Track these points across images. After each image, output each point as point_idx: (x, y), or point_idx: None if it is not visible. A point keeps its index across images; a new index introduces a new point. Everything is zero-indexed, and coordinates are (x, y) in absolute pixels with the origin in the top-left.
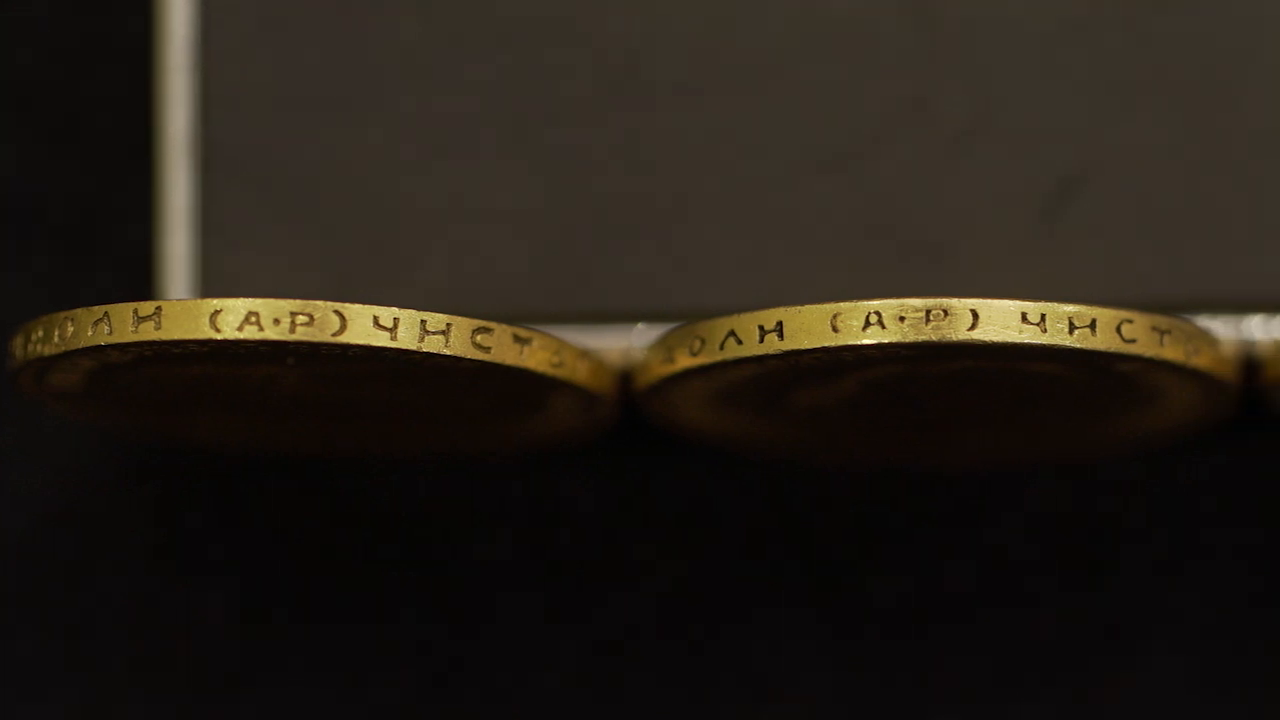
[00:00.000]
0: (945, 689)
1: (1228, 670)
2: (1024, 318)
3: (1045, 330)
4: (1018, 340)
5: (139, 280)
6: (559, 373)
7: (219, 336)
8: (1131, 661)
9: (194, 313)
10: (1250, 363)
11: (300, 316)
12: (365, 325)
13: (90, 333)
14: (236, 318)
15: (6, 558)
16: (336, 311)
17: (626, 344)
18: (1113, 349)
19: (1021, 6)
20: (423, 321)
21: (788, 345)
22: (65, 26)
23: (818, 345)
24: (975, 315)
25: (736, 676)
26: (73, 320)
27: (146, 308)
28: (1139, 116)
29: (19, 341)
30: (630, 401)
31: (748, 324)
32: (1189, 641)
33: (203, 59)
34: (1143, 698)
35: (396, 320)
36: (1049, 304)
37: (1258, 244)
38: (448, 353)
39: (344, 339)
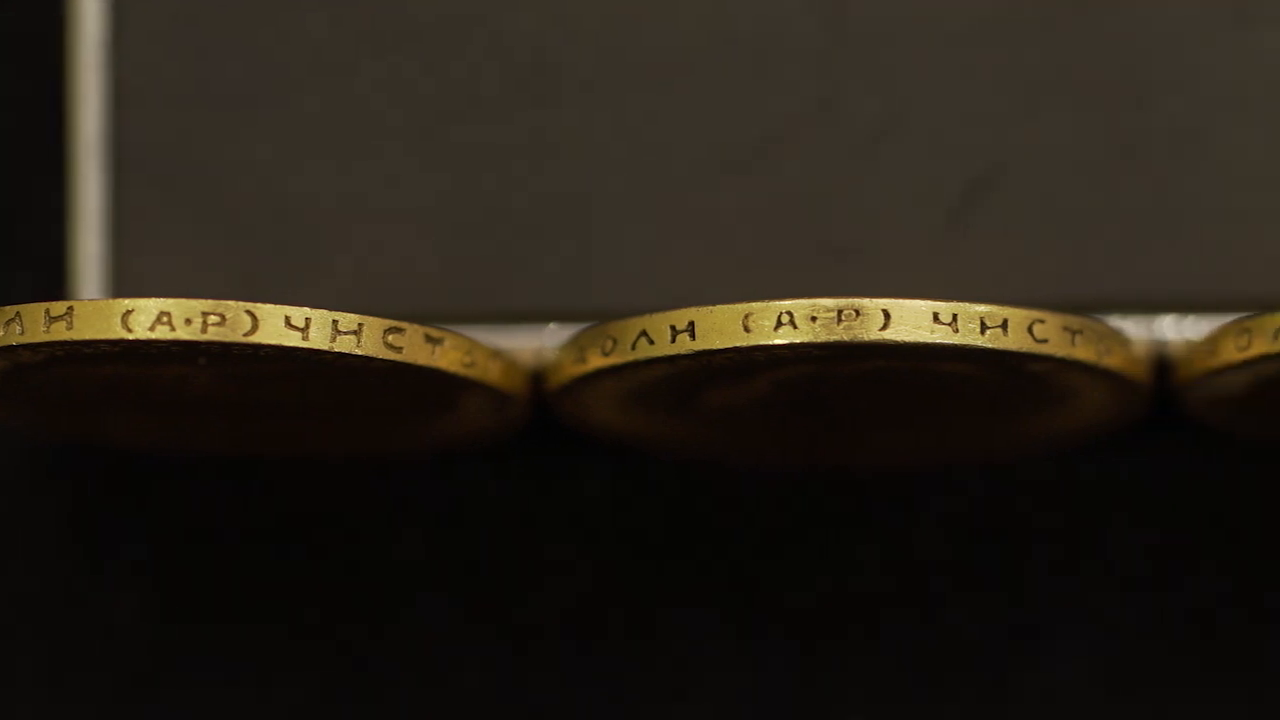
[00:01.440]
0: (856, 688)
1: (1137, 669)
2: (935, 318)
3: (957, 330)
4: (929, 340)
5: (51, 280)
6: (471, 373)
7: (131, 336)
8: (1042, 661)
9: (106, 313)
10: (1162, 363)
11: (212, 316)
12: (277, 325)
13: (2, 333)
14: (148, 318)
15: None
16: (248, 311)
17: (538, 344)
18: (1024, 349)
19: (931, 7)
20: (334, 321)
21: (699, 345)
22: None
23: (729, 345)
24: (887, 315)
25: (647, 677)
26: None
27: (58, 308)
28: (1049, 117)
29: None
30: (542, 401)
31: (659, 324)
32: (1099, 641)
33: (113, 59)
34: (1053, 697)
35: (308, 320)
36: (961, 304)
37: (1169, 244)
38: (359, 353)
39: (256, 339)
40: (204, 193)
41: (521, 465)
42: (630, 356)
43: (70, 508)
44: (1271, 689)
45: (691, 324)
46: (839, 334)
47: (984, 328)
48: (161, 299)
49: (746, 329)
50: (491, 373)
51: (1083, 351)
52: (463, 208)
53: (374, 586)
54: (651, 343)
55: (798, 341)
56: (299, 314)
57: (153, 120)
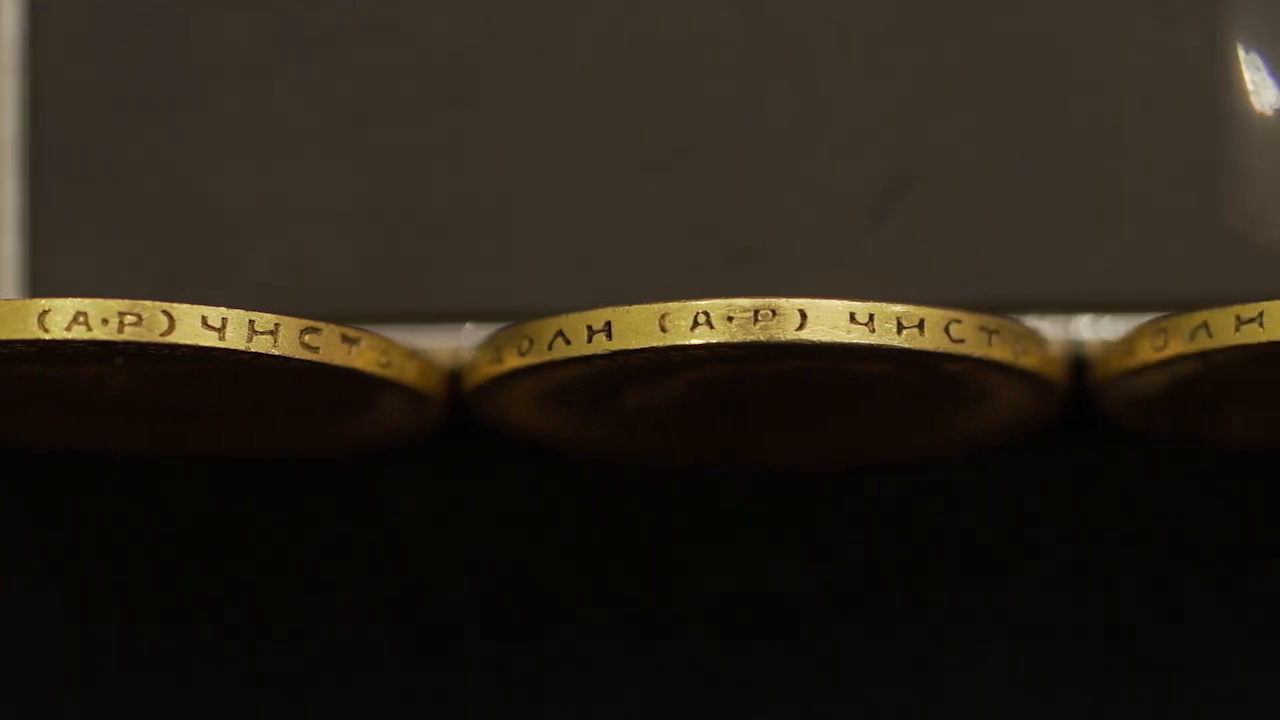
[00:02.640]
0: (771, 690)
1: (1053, 670)
2: (852, 318)
3: (873, 330)
4: (846, 340)
5: None
6: (387, 373)
7: (47, 336)
8: (957, 662)
9: (22, 313)
10: (1078, 363)
11: (129, 316)
12: (193, 325)
13: None
14: (65, 318)
15: None
16: (165, 312)
17: (455, 344)
18: (941, 349)
19: (850, 6)
20: (251, 321)
21: (616, 345)
22: None
23: (646, 345)
24: (803, 315)
25: (561, 677)
26: None
27: None
28: (967, 116)
29: None
30: (459, 401)
31: (576, 324)
32: (1015, 642)
33: (30, 60)
34: (967, 697)
35: (225, 320)
36: (877, 304)
37: (1085, 244)
38: (276, 353)
39: (172, 339)
40: (121, 193)
41: (438, 465)
42: (547, 356)
43: None
44: (1186, 689)
45: (608, 324)
46: (755, 334)
47: (900, 328)
48: (78, 299)
49: (663, 329)
50: (408, 373)
51: (999, 351)
52: (380, 208)
53: (290, 586)
54: (568, 343)
55: (714, 341)
56: (215, 314)
57: (69, 121)
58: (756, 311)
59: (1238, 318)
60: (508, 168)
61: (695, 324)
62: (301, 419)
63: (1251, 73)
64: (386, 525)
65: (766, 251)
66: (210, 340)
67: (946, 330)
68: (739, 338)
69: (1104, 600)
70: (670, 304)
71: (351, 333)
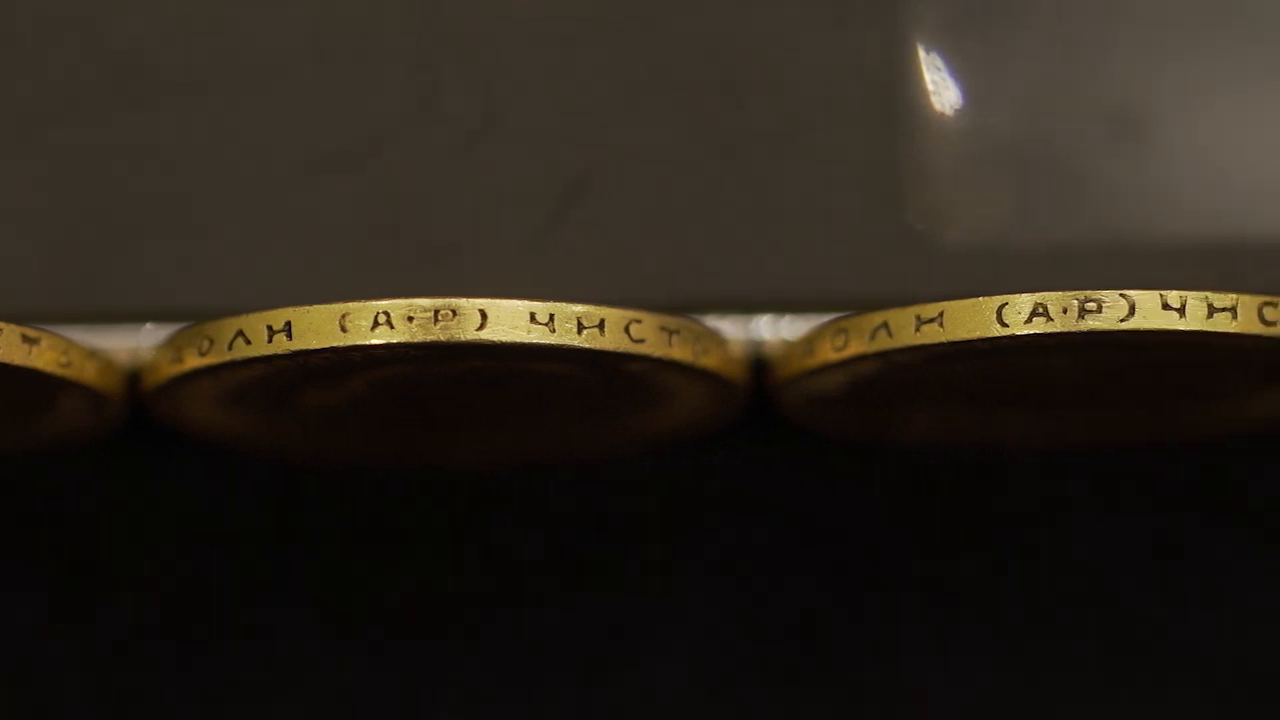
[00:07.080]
0: (454, 688)
1: (734, 670)
2: (532, 318)
3: (554, 330)
4: (526, 340)
5: None
6: (67, 373)
7: None
8: (638, 661)
9: None
10: (758, 363)
11: None
12: None
13: None
14: None
15: None
16: None
17: (135, 344)
18: (621, 349)
19: (528, 6)
20: None
21: (296, 345)
22: None
23: (326, 345)
24: (484, 315)
25: (242, 677)
26: None
27: None
28: (647, 116)
29: None
30: (140, 401)
31: (256, 324)
32: (692, 641)
33: None
34: (652, 696)
35: None
36: (558, 304)
37: (765, 244)
38: None
39: None
40: None
41: (118, 465)
42: (227, 356)
43: None
44: (867, 687)
45: (288, 324)
46: (436, 334)
47: (581, 328)
48: None
49: (343, 329)
50: (88, 373)
51: (679, 351)
52: (59, 207)
53: None
54: (248, 343)
55: (394, 341)
56: None
57: None
58: (437, 311)
59: (918, 318)
60: (188, 167)
61: (375, 324)
62: None
63: (931, 73)
64: (67, 526)
65: (449, 252)
66: None
67: (627, 330)
68: (419, 338)
69: (784, 599)
70: (350, 304)
71: (31, 332)
